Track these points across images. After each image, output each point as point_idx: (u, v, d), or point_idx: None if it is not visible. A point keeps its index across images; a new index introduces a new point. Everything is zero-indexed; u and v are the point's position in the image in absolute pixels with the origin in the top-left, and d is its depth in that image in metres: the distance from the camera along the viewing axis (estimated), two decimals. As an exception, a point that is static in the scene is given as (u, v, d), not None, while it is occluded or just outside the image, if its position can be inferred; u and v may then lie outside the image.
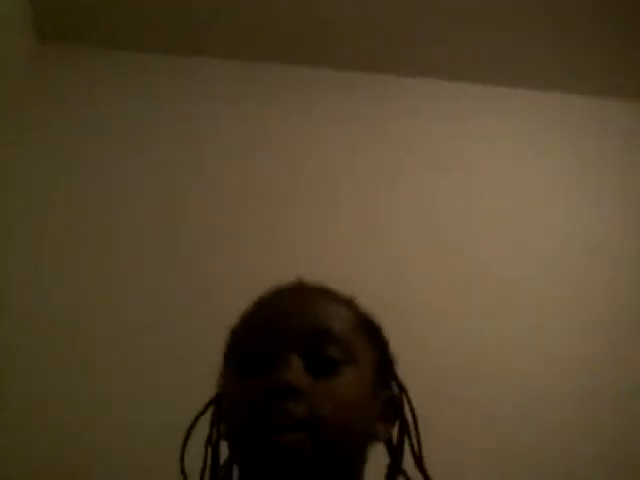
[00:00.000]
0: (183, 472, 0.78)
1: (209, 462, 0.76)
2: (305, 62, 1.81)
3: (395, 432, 0.74)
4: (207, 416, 0.77)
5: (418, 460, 0.75)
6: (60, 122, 1.63)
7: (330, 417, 0.61)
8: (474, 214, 1.76)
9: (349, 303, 0.74)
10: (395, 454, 0.76)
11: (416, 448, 0.75)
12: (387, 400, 0.72)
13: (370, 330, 0.73)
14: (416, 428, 0.76)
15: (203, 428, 0.76)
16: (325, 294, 0.73)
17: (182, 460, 0.78)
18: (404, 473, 0.75)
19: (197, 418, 0.79)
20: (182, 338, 1.48)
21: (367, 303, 0.74)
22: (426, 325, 1.57)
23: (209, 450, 0.76)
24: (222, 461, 0.75)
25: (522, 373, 1.59)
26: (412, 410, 0.77)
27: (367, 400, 0.67)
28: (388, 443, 0.75)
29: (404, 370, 0.77)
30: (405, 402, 0.76)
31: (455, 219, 1.74)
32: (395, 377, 0.77)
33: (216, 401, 0.77)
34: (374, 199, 1.73)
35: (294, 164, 1.72)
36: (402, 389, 0.77)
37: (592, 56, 1.81)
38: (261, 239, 1.62)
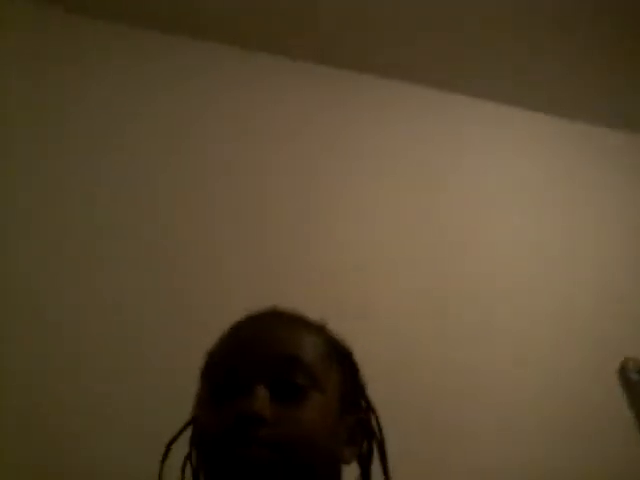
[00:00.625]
0: None
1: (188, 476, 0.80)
2: (310, 59, 1.80)
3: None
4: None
5: (386, 473, 0.79)
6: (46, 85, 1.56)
7: (294, 440, 0.65)
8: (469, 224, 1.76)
9: (319, 330, 0.78)
10: (365, 469, 0.80)
11: (386, 468, 0.78)
12: (354, 423, 0.76)
13: (339, 356, 0.77)
14: (383, 449, 0.79)
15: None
16: (296, 322, 0.77)
17: (160, 476, 0.82)
18: None
19: (177, 435, 0.84)
20: (182, 341, 1.43)
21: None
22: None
23: (187, 465, 0.80)
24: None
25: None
26: (380, 431, 0.80)
27: (333, 425, 0.71)
28: (361, 462, 0.79)
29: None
30: (374, 423, 0.80)
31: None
32: (365, 399, 0.81)
33: (194, 421, 0.79)
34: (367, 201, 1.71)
35: (290, 161, 1.69)
36: (372, 410, 0.81)
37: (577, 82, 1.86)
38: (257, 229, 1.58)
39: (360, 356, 0.82)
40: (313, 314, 0.82)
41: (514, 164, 1.93)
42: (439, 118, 1.91)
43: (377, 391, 0.85)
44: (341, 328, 0.82)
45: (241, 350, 0.71)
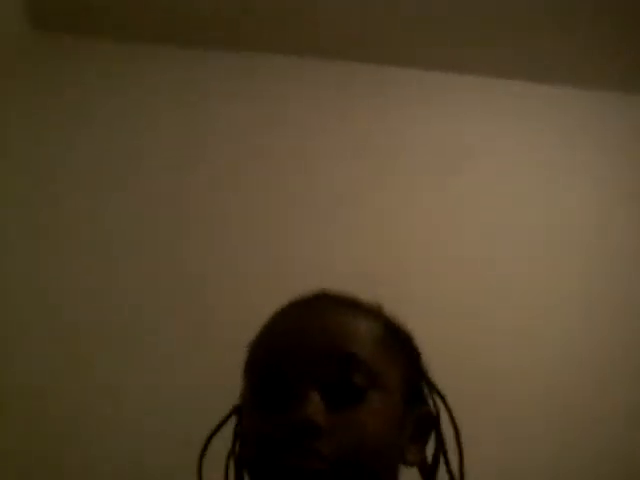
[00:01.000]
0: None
1: (231, 476, 0.72)
2: (307, 54, 1.78)
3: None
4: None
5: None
6: (47, 108, 1.62)
7: (355, 450, 0.58)
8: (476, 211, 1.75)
9: (375, 314, 0.69)
10: (429, 476, 0.70)
11: (455, 469, 0.69)
12: (420, 417, 0.68)
13: (398, 343, 0.68)
14: (459, 443, 0.69)
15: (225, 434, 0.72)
16: (349, 308, 0.67)
17: (199, 473, 0.73)
18: None
19: (218, 428, 0.74)
20: (196, 337, 1.47)
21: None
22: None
23: (231, 463, 0.73)
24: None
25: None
26: (454, 423, 0.70)
27: (397, 424, 0.63)
28: (421, 463, 0.69)
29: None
30: (446, 412, 0.70)
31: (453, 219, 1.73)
32: (431, 386, 0.71)
33: (238, 411, 0.72)
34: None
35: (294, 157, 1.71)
36: (441, 397, 0.71)
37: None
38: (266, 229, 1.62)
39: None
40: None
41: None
42: (439, 100, 1.87)
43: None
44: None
45: (288, 348, 0.62)
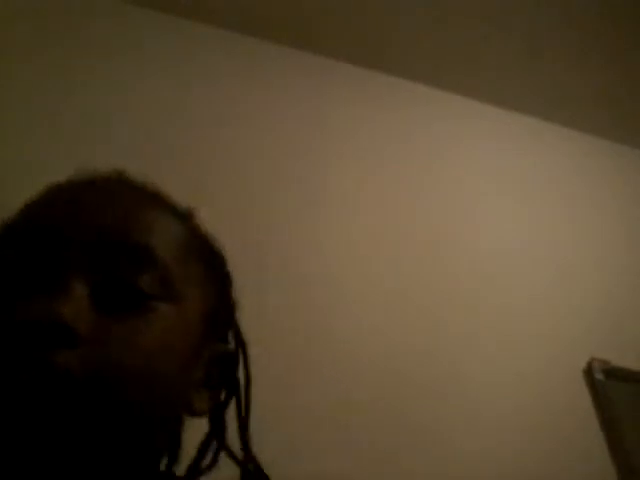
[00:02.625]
0: None
1: None
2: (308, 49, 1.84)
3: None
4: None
5: (243, 432, 0.54)
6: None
7: (122, 379, 0.39)
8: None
9: (185, 216, 0.52)
10: (217, 424, 0.54)
11: (243, 418, 0.55)
12: (218, 357, 0.52)
13: (208, 257, 0.52)
14: (247, 394, 0.55)
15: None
16: (153, 197, 0.51)
17: None
18: (228, 450, 0.54)
19: None
20: None
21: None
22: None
23: None
24: None
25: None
26: (247, 371, 0.55)
27: (189, 355, 0.47)
28: (214, 415, 0.54)
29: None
30: (241, 361, 0.56)
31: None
32: (235, 325, 0.56)
33: None
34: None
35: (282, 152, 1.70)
36: (241, 344, 0.56)
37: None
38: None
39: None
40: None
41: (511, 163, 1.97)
42: (432, 114, 1.94)
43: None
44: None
45: (55, 216, 0.44)
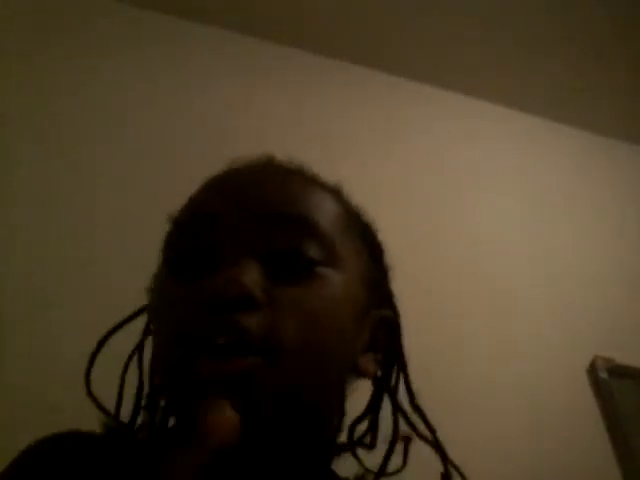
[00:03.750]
0: (90, 394, 0.57)
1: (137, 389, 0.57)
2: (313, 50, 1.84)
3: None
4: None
5: (412, 397, 0.57)
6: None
7: (298, 337, 0.42)
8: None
9: (337, 193, 0.54)
10: (390, 390, 0.56)
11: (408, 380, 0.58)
12: (381, 321, 0.53)
13: (363, 230, 0.54)
14: (403, 361, 0.58)
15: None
16: (308, 177, 0.53)
17: (88, 377, 0.57)
18: (404, 413, 0.56)
19: (120, 325, 0.58)
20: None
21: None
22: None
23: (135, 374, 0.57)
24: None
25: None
26: (399, 338, 0.57)
27: (353, 320, 0.48)
28: (375, 376, 0.56)
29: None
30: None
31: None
32: (388, 294, 0.58)
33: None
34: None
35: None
36: (395, 311, 0.58)
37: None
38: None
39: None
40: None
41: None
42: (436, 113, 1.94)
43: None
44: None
45: (219, 203, 0.48)
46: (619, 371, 1.62)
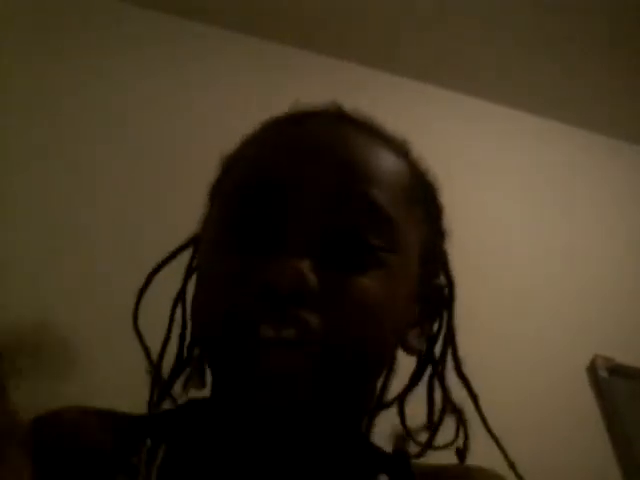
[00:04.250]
0: (137, 330, 0.57)
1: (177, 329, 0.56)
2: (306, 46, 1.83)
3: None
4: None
5: (459, 365, 0.57)
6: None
7: (358, 328, 0.42)
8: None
9: (400, 151, 0.52)
10: (436, 370, 0.56)
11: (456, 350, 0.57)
12: (431, 293, 0.52)
13: (423, 193, 0.52)
14: (453, 336, 0.57)
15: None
16: (370, 135, 0.50)
17: (136, 312, 0.57)
18: (445, 389, 0.57)
19: (167, 260, 0.58)
20: None
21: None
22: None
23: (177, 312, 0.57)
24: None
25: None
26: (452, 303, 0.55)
27: (407, 300, 0.48)
28: (420, 353, 0.56)
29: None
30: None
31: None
32: (444, 261, 0.55)
33: (195, 243, 0.57)
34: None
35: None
36: (448, 278, 0.55)
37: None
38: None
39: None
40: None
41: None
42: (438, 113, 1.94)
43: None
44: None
45: (291, 171, 0.45)
46: (619, 370, 1.62)
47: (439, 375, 0.57)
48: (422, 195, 0.52)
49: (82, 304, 1.27)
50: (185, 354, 0.55)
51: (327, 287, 0.42)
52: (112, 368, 1.22)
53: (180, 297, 0.57)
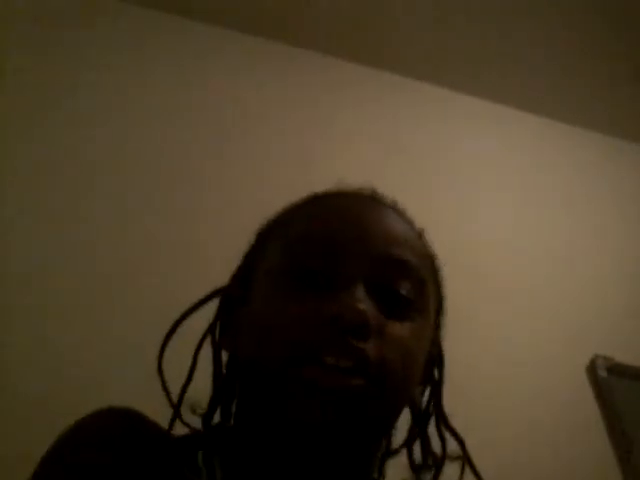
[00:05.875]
0: (161, 372, 0.60)
1: (210, 374, 0.61)
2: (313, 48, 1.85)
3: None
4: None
5: (446, 422, 0.63)
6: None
7: (397, 367, 0.49)
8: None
9: (420, 234, 0.61)
10: (427, 416, 0.63)
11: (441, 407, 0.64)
12: (432, 359, 0.60)
13: (438, 272, 0.61)
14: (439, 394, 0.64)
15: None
16: (402, 215, 0.59)
17: (160, 361, 0.60)
18: (450, 426, 0.63)
19: (195, 307, 0.61)
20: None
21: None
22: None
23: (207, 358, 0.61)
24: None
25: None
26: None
27: (423, 357, 0.55)
28: (417, 406, 0.63)
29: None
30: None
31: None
32: (439, 334, 0.63)
33: (226, 292, 0.61)
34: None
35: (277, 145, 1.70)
36: (439, 348, 0.63)
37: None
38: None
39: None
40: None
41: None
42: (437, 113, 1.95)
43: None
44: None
45: (349, 232, 0.53)
46: (619, 370, 1.62)
47: (437, 428, 0.63)
48: (435, 274, 0.60)
49: (82, 303, 1.27)
50: (223, 387, 0.61)
51: (380, 325, 0.49)
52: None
53: (212, 334, 0.61)
